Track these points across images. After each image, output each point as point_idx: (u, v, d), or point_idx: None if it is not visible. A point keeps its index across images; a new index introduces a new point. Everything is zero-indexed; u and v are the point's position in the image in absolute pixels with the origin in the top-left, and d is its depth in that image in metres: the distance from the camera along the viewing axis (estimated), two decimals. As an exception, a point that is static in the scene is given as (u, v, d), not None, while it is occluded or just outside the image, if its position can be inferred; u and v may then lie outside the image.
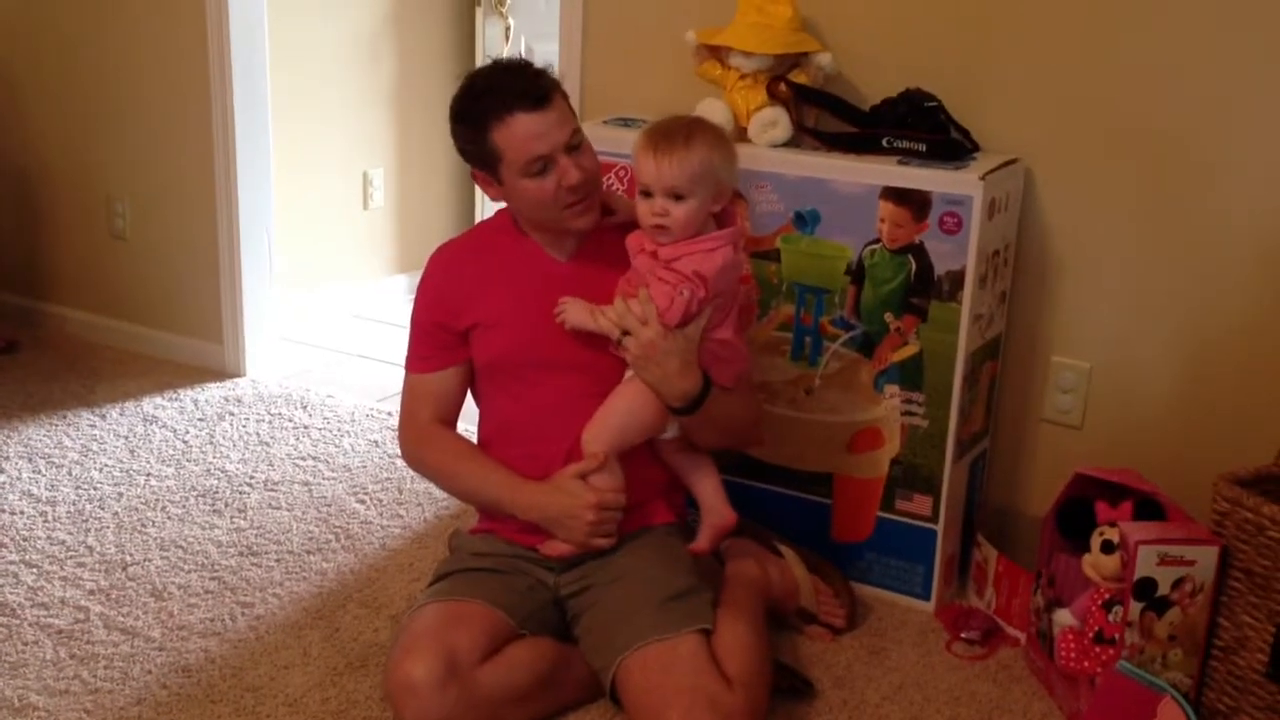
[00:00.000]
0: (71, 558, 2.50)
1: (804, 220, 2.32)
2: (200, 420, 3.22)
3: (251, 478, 2.90)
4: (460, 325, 2.10)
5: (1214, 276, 2.29)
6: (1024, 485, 2.55)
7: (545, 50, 3.93)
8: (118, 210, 3.66)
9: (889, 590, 2.42)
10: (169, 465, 2.95)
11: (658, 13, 2.70)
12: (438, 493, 2.75)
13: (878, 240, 2.26)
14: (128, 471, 2.91)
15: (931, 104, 2.32)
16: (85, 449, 3.02)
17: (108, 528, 2.63)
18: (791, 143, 2.39)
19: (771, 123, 2.37)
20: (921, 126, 2.29)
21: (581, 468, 1.99)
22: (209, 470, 2.93)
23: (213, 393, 3.42)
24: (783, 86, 2.38)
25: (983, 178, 2.17)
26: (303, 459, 3.01)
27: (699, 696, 1.81)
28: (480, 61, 4.31)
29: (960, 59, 2.41)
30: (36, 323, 3.87)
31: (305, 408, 3.32)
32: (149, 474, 2.90)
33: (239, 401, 3.36)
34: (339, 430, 3.18)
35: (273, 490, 2.84)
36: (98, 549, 2.54)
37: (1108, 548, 1.99)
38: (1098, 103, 2.32)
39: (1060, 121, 2.36)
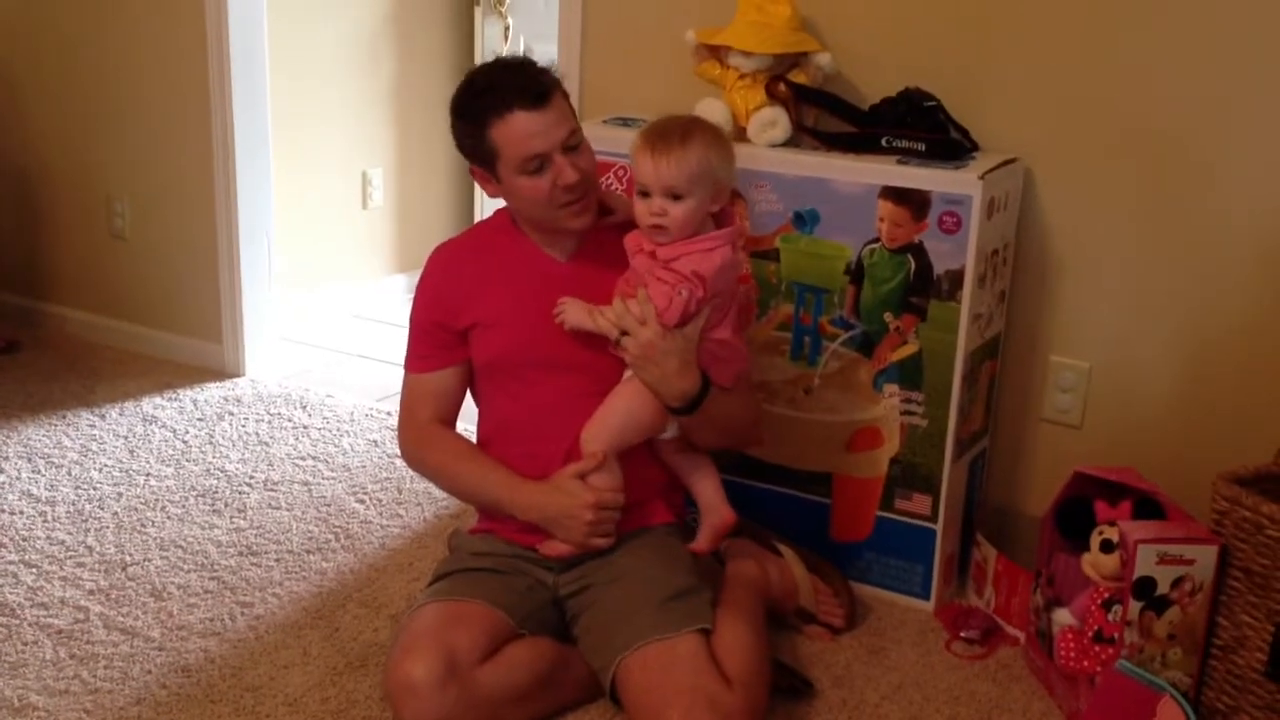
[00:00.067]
0: (71, 558, 2.50)
1: (803, 220, 2.32)
2: (200, 420, 3.22)
3: (251, 478, 2.90)
4: (459, 325, 2.10)
5: (1213, 276, 2.29)
6: (1023, 484, 2.55)
7: (544, 50, 3.93)
8: (117, 210, 3.66)
9: (888, 590, 2.42)
10: (168, 465, 2.95)
11: (657, 12, 2.70)
12: (437, 492, 2.75)
13: (877, 240, 2.26)
14: (127, 471, 2.91)
15: (930, 103, 2.32)
16: (85, 449, 3.02)
17: (107, 528, 2.63)
18: (791, 142, 2.39)
19: (771, 122, 2.37)
20: (921, 126, 2.29)
21: (580, 467, 1.99)
22: (208, 470, 2.93)
23: (212, 393, 3.42)
24: (782, 86, 2.38)
25: (982, 177, 2.17)
26: (302, 459, 3.01)
27: (699, 696, 1.81)
28: (479, 62, 4.31)
29: (959, 58, 2.41)
30: (36, 323, 3.87)
31: (305, 407, 3.32)
32: (148, 474, 2.90)
33: (238, 401, 3.36)
34: (338, 430, 3.18)
35: (272, 490, 2.84)
36: (97, 549, 2.54)
37: (1107, 547, 1.99)
38: (1097, 102, 2.32)
39: (1060, 121, 2.36)
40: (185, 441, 3.09)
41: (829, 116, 2.41)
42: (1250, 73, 2.19)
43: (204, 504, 2.76)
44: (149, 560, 2.51)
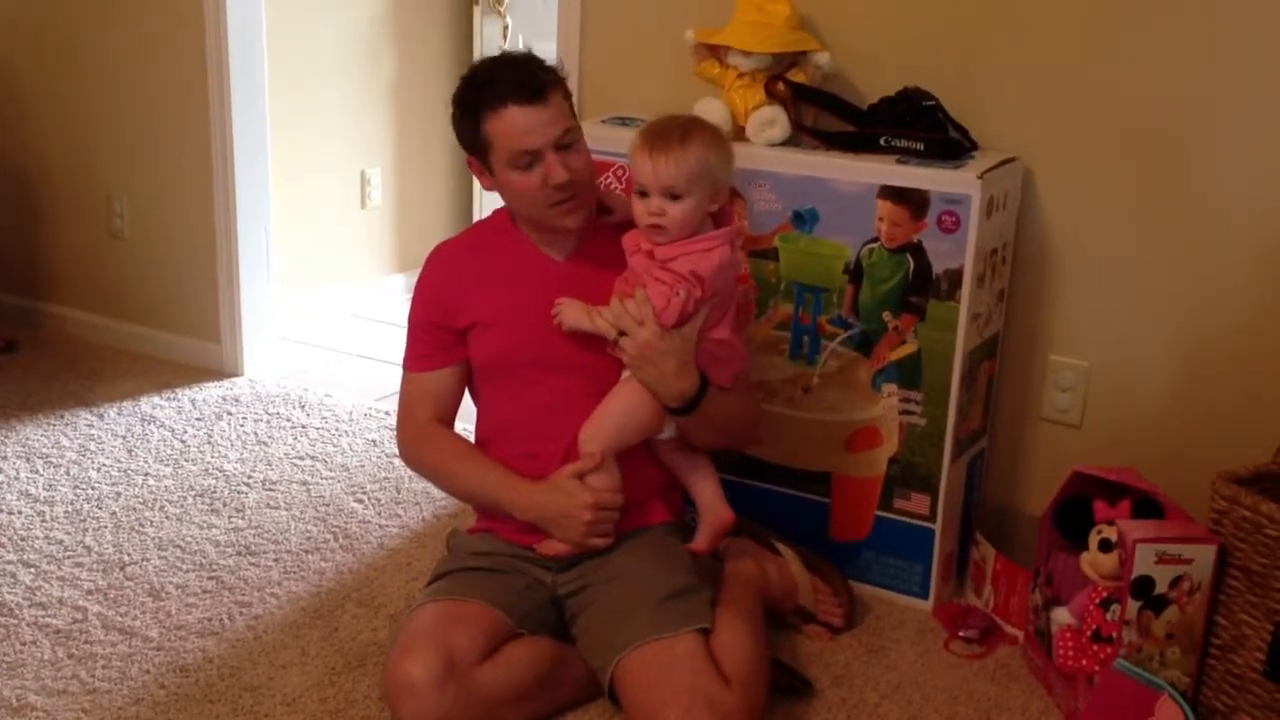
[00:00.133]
0: (69, 557, 2.50)
1: (802, 219, 2.32)
2: (198, 420, 3.22)
3: (249, 477, 2.89)
4: (458, 324, 2.10)
5: (1213, 276, 2.29)
6: (1022, 484, 2.54)
7: (543, 49, 3.91)
8: (116, 210, 3.66)
9: (887, 589, 2.41)
10: (167, 465, 2.95)
11: (656, 12, 2.70)
12: (436, 492, 2.75)
13: (876, 239, 2.26)
14: (126, 471, 2.90)
15: (929, 103, 2.32)
16: (83, 449, 3.02)
17: (105, 527, 2.63)
18: (790, 142, 2.39)
19: (769, 121, 2.37)
20: (920, 125, 2.29)
21: (578, 467, 1.99)
22: (207, 470, 2.93)
23: (211, 392, 3.42)
24: (781, 85, 2.38)
25: (981, 176, 2.17)
26: (301, 458, 3.01)
27: (697, 696, 1.81)
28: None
29: (959, 58, 2.41)
30: (35, 322, 3.87)
31: (303, 407, 3.32)
32: (147, 474, 2.90)
33: (237, 401, 3.36)
34: (337, 430, 3.18)
35: (271, 490, 2.84)
36: (95, 549, 2.54)
37: (1106, 546, 1.99)
38: (1097, 102, 2.32)
39: (1059, 120, 2.36)
40: (184, 441, 3.08)
41: (828, 116, 2.41)
42: (1250, 72, 2.19)
43: (202, 504, 2.76)
44: (147, 560, 2.51)
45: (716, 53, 2.45)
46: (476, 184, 4.51)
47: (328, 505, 2.78)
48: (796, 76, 2.40)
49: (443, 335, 2.11)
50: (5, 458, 2.94)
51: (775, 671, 2.05)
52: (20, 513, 2.68)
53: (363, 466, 2.98)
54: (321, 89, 4.06)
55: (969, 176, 2.17)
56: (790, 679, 2.09)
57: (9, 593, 2.36)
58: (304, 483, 2.88)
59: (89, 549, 2.54)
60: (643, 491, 2.09)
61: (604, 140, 2.36)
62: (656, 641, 1.89)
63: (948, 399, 2.27)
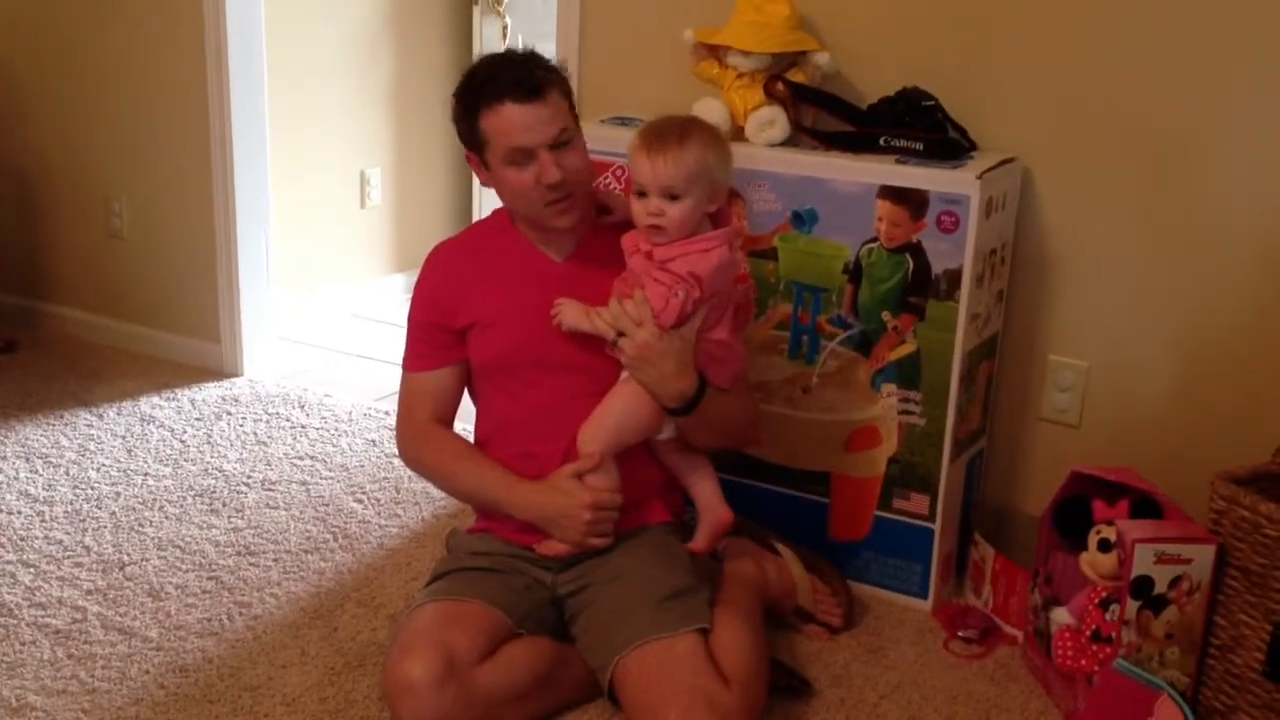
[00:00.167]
0: (69, 557, 2.50)
1: (801, 219, 2.32)
2: (198, 420, 3.22)
3: (249, 477, 2.89)
4: (457, 324, 2.10)
5: (1213, 276, 2.29)
6: (1021, 484, 2.55)
7: (543, 50, 3.90)
8: (115, 210, 3.66)
9: (886, 589, 2.42)
10: (166, 465, 2.95)
11: (655, 12, 2.70)
12: (435, 492, 2.75)
13: (875, 239, 2.26)
14: (125, 471, 2.90)
15: (929, 103, 2.32)
16: (83, 449, 3.02)
17: (105, 527, 2.63)
18: (789, 142, 2.39)
19: (769, 122, 2.37)
20: (919, 125, 2.29)
21: (577, 467, 1.99)
22: (206, 470, 2.93)
23: (210, 392, 3.42)
24: (780, 85, 2.38)
25: (980, 176, 2.17)
26: (300, 458, 3.01)
27: (697, 696, 1.81)
28: (478, 61, 4.31)
29: (958, 58, 2.41)
30: (34, 322, 3.87)
31: (303, 407, 3.32)
32: (146, 474, 2.90)
33: (236, 401, 3.36)
34: (336, 430, 3.18)
35: (270, 490, 2.84)
36: (95, 549, 2.54)
37: (1105, 546, 1.99)
38: (1096, 102, 2.32)
39: (1058, 120, 2.36)
40: (183, 441, 3.08)
41: (827, 116, 2.41)
42: (1250, 72, 2.19)
43: (202, 504, 2.76)
44: (147, 560, 2.51)
45: (716, 53, 2.45)
46: (476, 184, 4.51)
47: (327, 505, 2.78)
48: (796, 76, 2.40)
49: (442, 335, 2.12)
50: (5, 458, 2.94)
51: (774, 671, 2.05)
52: (20, 513, 2.68)
53: (362, 466, 2.98)
54: (321, 89, 4.06)
55: (968, 177, 2.17)
56: (789, 679, 2.09)
57: (8, 593, 2.36)
58: (303, 483, 2.88)
59: (88, 549, 2.54)
60: (642, 491, 2.09)
61: (603, 140, 2.36)
62: (656, 641, 1.89)
63: (947, 399, 2.27)
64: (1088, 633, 1.99)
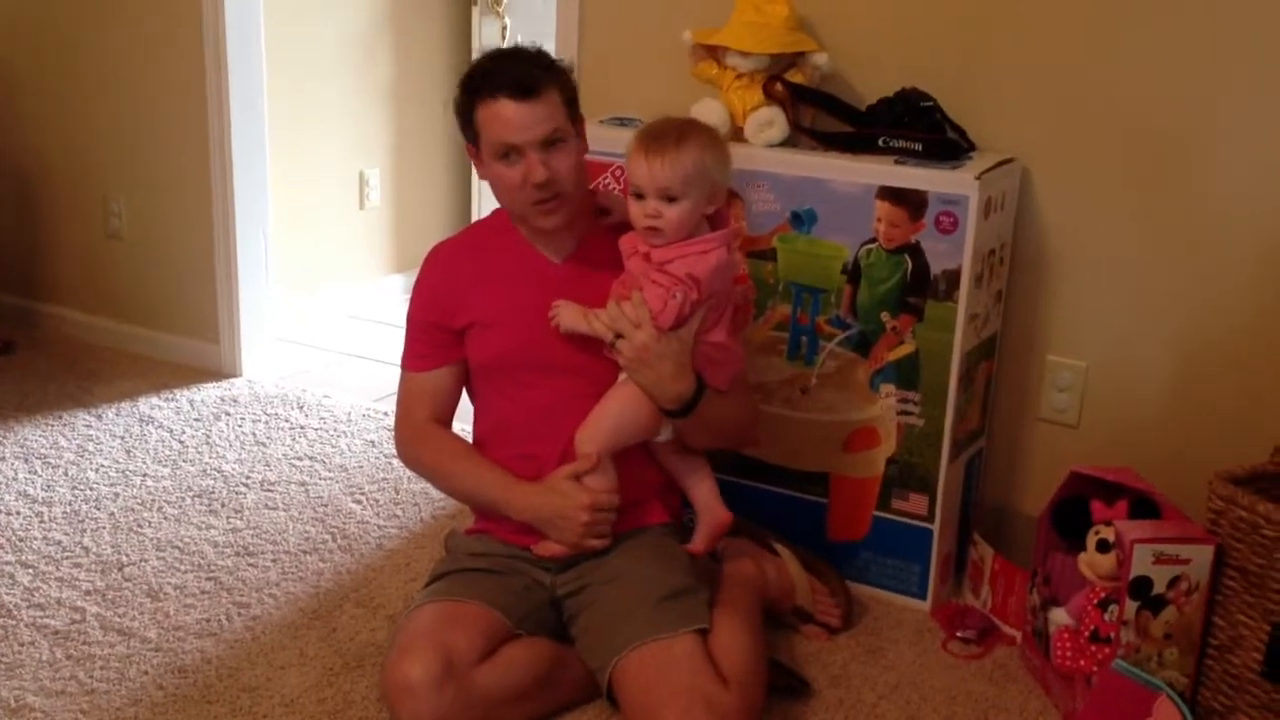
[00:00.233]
0: (68, 558, 2.50)
1: (800, 220, 2.32)
2: (196, 420, 3.22)
3: (248, 478, 2.89)
4: (456, 324, 2.10)
5: (1212, 276, 2.29)
6: (1020, 484, 2.55)
7: (542, 50, 3.92)
8: (113, 210, 3.66)
9: (885, 589, 2.42)
10: (165, 466, 2.95)
11: (654, 12, 2.70)
12: (434, 493, 2.75)
13: (874, 240, 2.26)
14: (124, 472, 2.90)
15: (928, 103, 2.32)
16: (81, 449, 3.02)
17: (104, 528, 2.63)
18: (788, 142, 2.39)
19: (768, 122, 2.37)
20: (918, 126, 2.29)
21: (575, 469, 1.99)
22: (205, 471, 2.93)
23: (209, 393, 3.42)
24: (779, 86, 2.38)
25: (978, 177, 2.17)
26: (299, 459, 3.01)
27: (695, 696, 1.81)
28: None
29: (957, 58, 2.41)
30: (32, 323, 3.87)
31: (301, 408, 3.32)
32: (145, 474, 2.90)
33: (235, 402, 3.36)
34: (335, 430, 3.18)
35: (269, 490, 2.84)
36: (94, 549, 2.54)
37: (1103, 546, 1.99)
38: (1095, 102, 2.32)
39: (1057, 121, 2.36)
40: (182, 442, 3.08)
41: (826, 116, 2.41)
42: (1250, 72, 2.19)
43: (201, 504, 2.76)
44: (145, 561, 2.51)
45: (715, 53, 2.45)
46: (475, 184, 4.51)
47: (326, 506, 2.78)
48: (795, 77, 2.40)
49: (441, 335, 2.12)
50: (3, 458, 2.94)
51: (773, 672, 2.05)
52: (18, 513, 2.68)
53: (361, 467, 2.98)
54: (320, 90, 4.06)
55: (967, 177, 2.17)
56: (788, 679, 2.09)
57: (7, 593, 2.36)
58: (302, 483, 2.88)
59: (87, 550, 2.54)
60: (640, 492, 2.09)
61: (602, 141, 2.36)
62: (655, 642, 1.89)
63: (945, 399, 2.27)
64: (1086, 633, 1.99)
